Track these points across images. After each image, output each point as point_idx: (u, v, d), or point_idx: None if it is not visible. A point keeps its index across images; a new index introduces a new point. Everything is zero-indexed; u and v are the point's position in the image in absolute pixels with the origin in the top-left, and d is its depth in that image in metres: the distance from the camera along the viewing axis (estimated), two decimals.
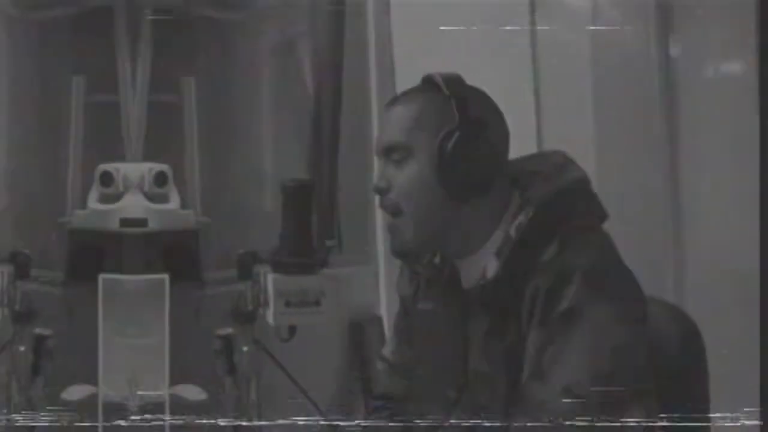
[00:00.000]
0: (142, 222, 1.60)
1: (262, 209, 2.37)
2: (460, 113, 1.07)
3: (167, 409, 1.35)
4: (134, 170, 1.60)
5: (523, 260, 1.03)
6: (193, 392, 1.47)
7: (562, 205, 1.06)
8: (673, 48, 1.73)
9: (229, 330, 1.45)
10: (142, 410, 1.33)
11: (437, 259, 1.15)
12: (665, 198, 1.68)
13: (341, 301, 1.20)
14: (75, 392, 1.37)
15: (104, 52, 1.88)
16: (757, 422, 1.26)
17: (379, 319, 2.14)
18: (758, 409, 1.30)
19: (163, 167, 1.65)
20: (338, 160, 1.97)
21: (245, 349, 1.20)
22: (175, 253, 1.59)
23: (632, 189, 1.76)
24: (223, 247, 1.90)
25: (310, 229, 1.16)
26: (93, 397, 1.35)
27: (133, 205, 1.59)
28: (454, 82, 1.10)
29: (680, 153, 1.70)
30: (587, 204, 1.09)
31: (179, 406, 1.43)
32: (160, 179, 1.63)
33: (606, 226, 1.15)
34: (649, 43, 1.69)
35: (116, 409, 1.34)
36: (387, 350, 1.31)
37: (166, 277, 1.34)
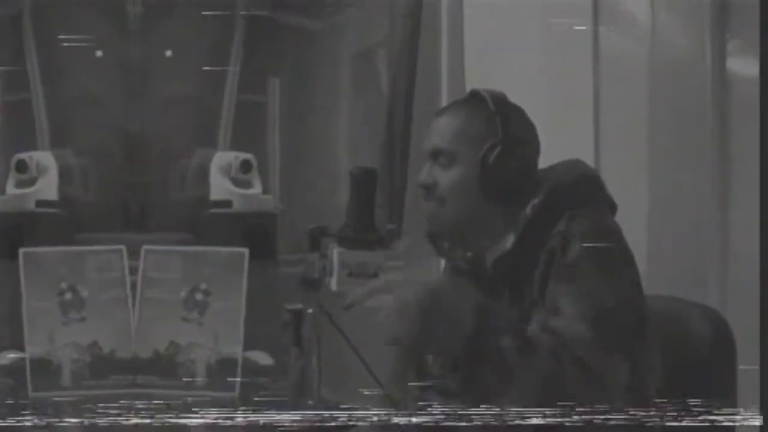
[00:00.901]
0: (227, 203, 1.82)
1: (335, 201, 2.58)
2: (503, 129, 1.23)
3: (239, 370, 1.54)
4: (207, 157, 1.85)
5: (536, 234, 1.19)
6: (262, 357, 1.67)
7: (572, 191, 1.21)
8: (729, 50, 1.83)
9: (298, 305, 1.64)
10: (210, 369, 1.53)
11: (468, 254, 1.30)
12: (714, 207, 1.79)
13: (397, 276, 1.37)
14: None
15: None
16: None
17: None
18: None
19: (248, 156, 1.88)
20: (408, 156, 2.14)
21: (310, 311, 1.38)
22: (254, 233, 1.81)
23: (682, 197, 1.86)
24: (296, 233, 2.11)
25: (373, 211, 1.33)
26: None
27: (218, 187, 1.83)
28: (500, 99, 1.26)
29: (732, 164, 1.80)
30: (595, 194, 1.24)
31: (250, 368, 1.62)
32: (245, 167, 1.85)
33: (653, 231, 1.29)
34: (704, 45, 1.80)
35: None
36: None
37: (246, 250, 1.54)
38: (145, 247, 1.58)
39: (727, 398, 1.40)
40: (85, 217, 1.98)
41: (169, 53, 2.22)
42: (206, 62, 2.27)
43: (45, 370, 1.51)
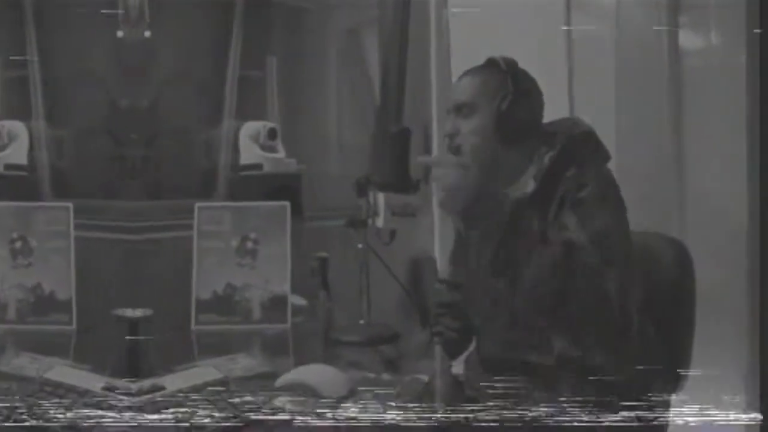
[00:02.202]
0: (259, 167, 2.12)
1: (326, 170, 2.88)
2: (513, 84, 1.56)
3: (289, 305, 1.84)
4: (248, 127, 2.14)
5: (552, 179, 1.51)
6: (297, 299, 1.97)
7: (578, 144, 1.54)
8: (681, 24, 2.22)
9: (324, 253, 1.95)
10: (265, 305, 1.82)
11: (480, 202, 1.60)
12: (672, 156, 2.18)
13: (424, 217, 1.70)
14: None
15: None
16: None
17: (434, 260, 2.64)
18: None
19: (274, 125, 2.17)
20: (402, 122, 2.45)
21: (359, 246, 1.69)
22: (282, 192, 2.10)
23: (645, 151, 2.25)
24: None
25: (408, 162, 1.65)
26: None
27: (248, 152, 2.11)
28: (511, 63, 1.60)
29: (685, 113, 2.20)
30: (597, 146, 1.57)
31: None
32: (272, 134, 2.14)
33: (621, 177, 1.64)
34: (660, 21, 2.19)
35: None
36: (444, 274, 1.81)
37: (287, 203, 1.84)
38: (197, 204, 1.86)
39: (688, 314, 1.77)
40: (64, 182, 2.25)
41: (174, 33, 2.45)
42: (209, 42, 2.53)
43: None
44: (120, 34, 2.24)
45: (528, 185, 1.54)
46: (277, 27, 2.73)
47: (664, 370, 1.61)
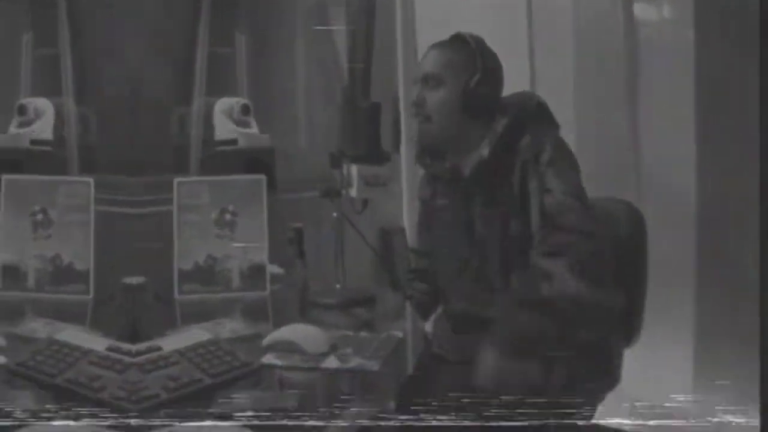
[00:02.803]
0: (233, 142, 2.22)
1: (298, 144, 2.98)
2: (481, 62, 1.66)
3: (267, 274, 1.95)
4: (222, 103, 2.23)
5: (507, 145, 1.63)
6: (274, 268, 2.08)
7: (530, 114, 1.66)
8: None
9: (299, 224, 2.06)
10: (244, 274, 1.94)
11: (447, 164, 1.75)
12: (627, 122, 2.33)
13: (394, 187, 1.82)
14: None
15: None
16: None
17: (403, 230, 2.77)
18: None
19: (247, 101, 2.27)
20: (369, 95, 2.55)
21: (334, 215, 1.81)
22: (257, 166, 2.20)
23: (602, 119, 2.40)
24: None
25: (379, 135, 1.77)
26: None
27: (223, 128, 2.20)
28: (479, 41, 1.70)
29: (640, 88, 2.35)
30: (547, 116, 1.69)
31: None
32: (245, 110, 2.24)
33: (580, 144, 1.77)
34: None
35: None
36: (413, 243, 1.94)
37: (263, 177, 1.95)
38: (176, 179, 1.96)
39: (642, 270, 1.93)
40: (83, 158, 2.33)
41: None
42: (179, 19, 2.60)
43: (14, 275, 1.89)
44: None
45: (484, 153, 1.66)
46: (245, 3, 2.81)
47: (620, 324, 1.77)
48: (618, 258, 1.79)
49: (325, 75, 2.96)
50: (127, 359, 1.28)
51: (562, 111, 1.87)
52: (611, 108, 2.34)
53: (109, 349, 1.31)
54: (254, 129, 2.29)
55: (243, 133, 2.25)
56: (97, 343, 1.34)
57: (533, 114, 1.69)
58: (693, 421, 1.60)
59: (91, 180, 1.92)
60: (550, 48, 2.46)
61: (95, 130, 2.34)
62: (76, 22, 2.36)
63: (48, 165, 2.19)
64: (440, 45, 1.73)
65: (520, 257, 1.62)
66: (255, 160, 2.20)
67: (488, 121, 1.68)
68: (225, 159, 2.21)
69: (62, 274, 1.88)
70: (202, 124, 2.33)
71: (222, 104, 2.30)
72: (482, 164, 1.66)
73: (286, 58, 2.95)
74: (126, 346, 1.31)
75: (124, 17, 2.23)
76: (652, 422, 1.56)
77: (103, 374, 1.24)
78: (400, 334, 1.51)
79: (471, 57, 1.67)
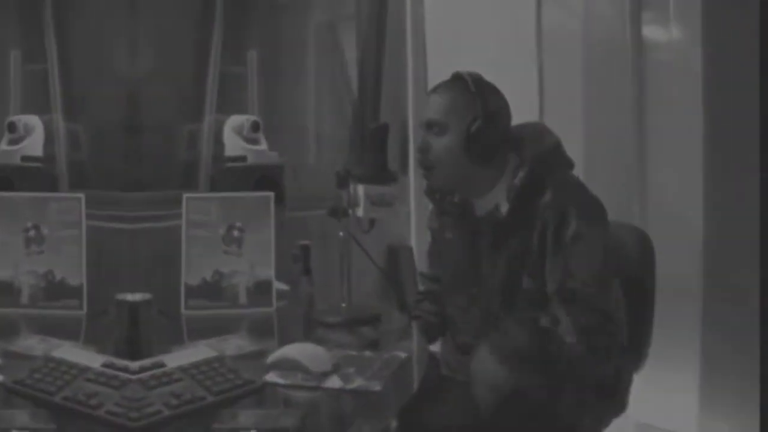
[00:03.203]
0: (243, 159, 2.24)
1: (306, 162, 3.01)
2: (482, 105, 1.65)
3: (274, 290, 1.96)
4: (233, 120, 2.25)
5: (527, 201, 1.62)
6: (281, 285, 2.09)
7: (547, 161, 1.66)
8: (644, 20, 2.38)
9: (306, 241, 2.07)
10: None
11: (456, 199, 1.78)
12: (635, 147, 2.34)
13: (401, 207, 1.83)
14: None
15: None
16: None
17: (410, 248, 2.78)
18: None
19: (257, 118, 2.30)
20: (379, 114, 2.58)
21: (341, 234, 1.82)
22: (264, 182, 2.22)
23: (610, 142, 2.41)
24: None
25: (386, 155, 1.78)
26: None
27: (232, 145, 2.23)
28: (478, 81, 1.68)
29: (647, 114, 2.36)
30: (561, 158, 1.70)
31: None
32: (255, 126, 2.27)
33: (589, 169, 1.78)
34: (625, 16, 2.35)
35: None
36: (423, 268, 1.95)
37: (271, 194, 1.96)
38: (185, 195, 1.98)
39: (648, 292, 1.91)
40: (75, 174, 2.35)
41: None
42: (192, 37, 2.63)
43: (8, 291, 1.91)
44: None
45: (502, 204, 1.66)
46: (256, 22, 2.84)
47: (629, 349, 1.76)
48: (625, 281, 1.81)
49: (336, 93, 2.99)
50: (123, 375, 1.29)
51: (572, 134, 1.89)
52: (620, 131, 2.36)
53: (105, 365, 1.32)
54: (263, 146, 2.32)
55: (252, 150, 2.28)
56: (94, 359, 1.35)
57: (550, 159, 1.68)
58: None
59: (82, 196, 1.95)
60: (560, 70, 2.48)
61: (87, 147, 2.37)
62: (64, 38, 2.39)
63: (41, 181, 2.22)
64: (440, 89, 1.72)
65: (526, 307, 1.63)
66: (263, 177, 2.22)
67: (499, 162, 1.68)
68: (234, 175, 2.24)
69: (55, 290, 1.90)
70: (213, 141, 2.36)
71: (232, 121, 2.33)
72: (498, 215, 1.66)
73: (296, 76, 2.98)
74: (122, 362, 1.32)
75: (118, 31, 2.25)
76: None
77: (101, 391, 1.25)
78: (403, 355, 1.52)
79: (471, 101, 1.66)
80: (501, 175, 1.67)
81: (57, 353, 1.39)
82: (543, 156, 1.66)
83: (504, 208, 1.65)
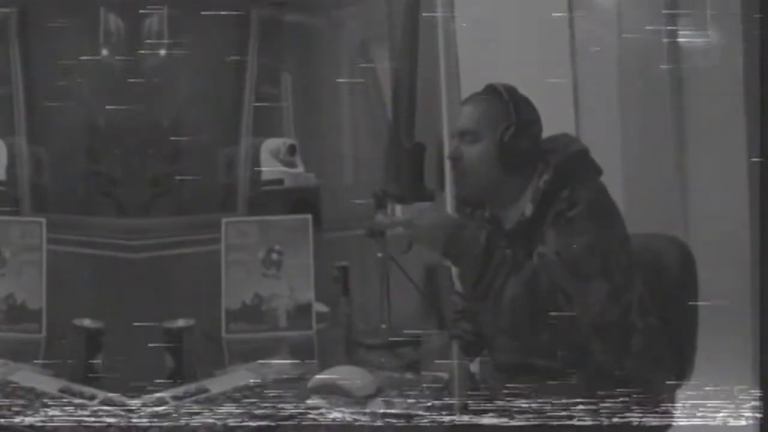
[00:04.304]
0: (280, 182, 2.28)
1: (343, 183, 3.03)
2: (516, 114, 1.68)
3: (314, 313, 1.99)
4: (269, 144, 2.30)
5: (548, 202, 1.63)
6: (320, 307, 2.12)
7: (571, 166, 1.66)
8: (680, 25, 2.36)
9: (344, 262, 2.09)
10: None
11: (487, 213, 1.79)
12: (674, 157, 2.32)
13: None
14: None
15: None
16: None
17: (448, 267, 2.78)
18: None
19: (294, 141, 2.34)
20: (413, 135, 2.59)
21: (379, 255, 1.83)
22: (301, 205, 2.25)
23: (650, 151, 2.39)
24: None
25: (423, 174, 1.80)
26: None
27: (269, 168, 2.28)
28: (511, 91, 1.72)
29: (687, 120, 2.34)
30: (588, 164, 1.69)
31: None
32: (291, 150, 2.31)
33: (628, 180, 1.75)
34: (661, 23, 2.33)
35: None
36: (457, 287, 1.96)
37: (309, 216, 1.99)
38: (224, 219, 2.01)
39: (692, 310, 1.88)
40: (43, 198, 2.38)
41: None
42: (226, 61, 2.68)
43: None
44: (105, 53, 2.37)
45: (527, 207, 1.67)
46: (290, 44, 2.89)
47: (669, 365, 1.75)
48: (663, 294, 1.80)
49: (371, 113, 3.02)
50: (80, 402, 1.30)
51: (608, 147, 1.87)
52: (658, 143, 2.34)
53: (62, 390, 1.34)
54: (300, 168, 2.35)
55: (289, 173, 2.31)
56: (51, 384, 1.37)
57: (575, 165, 1.68)
58: None
59: (43, 220, 1.98)
60: (595, 81, 2.47)
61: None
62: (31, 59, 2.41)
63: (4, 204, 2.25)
64: (474, 99, 1.76)
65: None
66: (300, 200, 2.25)
67: (528, 173, 1.70)
68: (270, 199, 2.27)
69: (15, 313, 1.92)
70: (250, 164, 2.40)
71: (268, 145, 2.37)
72: (524, 223, 1.67)
73: (331, 96, 3.01)
74: (80, 388, 1.33)
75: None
76: None
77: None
78: (446, 376, 1.52)
79: (504, 110, 1.69)
80: (528, 184, 1.68)
81: (15, 378, 1.41)
82: (569, 161, 1.67)
83: (529, 212, 1.65)
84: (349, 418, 1.32)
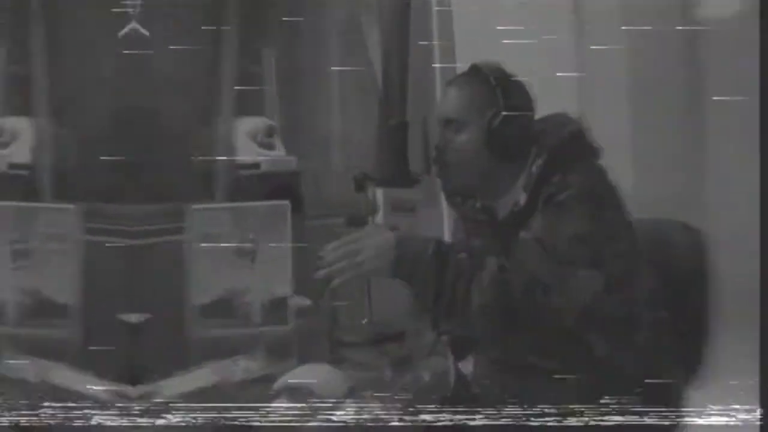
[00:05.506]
0: (256, 166, 2.18)
1: (327, 167, 2.94)
2: (503, 99, 1.58)
3: (289, 311, 1.89)
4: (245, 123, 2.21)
5: (541, 189, 1.54)
6: (300, 300, 2.03)
7: (566, 147, 1.57)
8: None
9: None
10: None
11: (478, 204, 1.69)
12: (691, 141, 2.22)
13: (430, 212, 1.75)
14: None
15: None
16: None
17: None
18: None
19: (272, 122, 2.23)
20: (405, 114, 2.50)
21: None
22: (281, 190, 2.16)
23: (664, 134, 2.30)
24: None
25: (407, 156, 1.71)
26: None
27: (246, 151, 2.18)
28: (498, 72, 1.61)
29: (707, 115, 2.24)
30: (584, 146, 1.60)
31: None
32: (270, 131, 2.20)
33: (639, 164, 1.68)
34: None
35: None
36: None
37: (287, 203, 1.90)
38: (192, 206, 1.92)
39: (704, 301, 1.80)
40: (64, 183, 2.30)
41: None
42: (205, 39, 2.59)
43: None
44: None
45: (521, 196, 1.58)
46: (273, 18, 2.79)
47: (680, 358, 1.66)
48: (671, 282, 1.71)
49: (362, 93, 2.92)
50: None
51: (619, 127, 1.78)
52: (671, 125, 2.24)
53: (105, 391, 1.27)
54: (280, 151, 2.25)
55: (266, 156, 2.21)
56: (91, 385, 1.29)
57: (570, 147, 1.59)
58: None
59: (71, 206, 1.88)
60: (602, 54, 2.37)
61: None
62: (54, 37, 2.34)
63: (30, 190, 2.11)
64: (458, 82, 1.66)
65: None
66: (280, 185, 2.15)
67: (521, 159, 1.60)
68: (248, 184, 2.18)
69: (42, 308, 1.82)
70: (226, 148, 2.31)
71: (245, 125, 2.27)
72: (518, 212, 1.58)
73: (316, 74, 2.91)
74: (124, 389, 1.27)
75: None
76: None
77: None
78: (426, 377, 1.44)
79: (491, 93, 1.59)
80: (521, 171, 1.59)
81: (50, 378, 1.34)
82: (563, 144, 1.58)
83: (523, 201, 1.57)
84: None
